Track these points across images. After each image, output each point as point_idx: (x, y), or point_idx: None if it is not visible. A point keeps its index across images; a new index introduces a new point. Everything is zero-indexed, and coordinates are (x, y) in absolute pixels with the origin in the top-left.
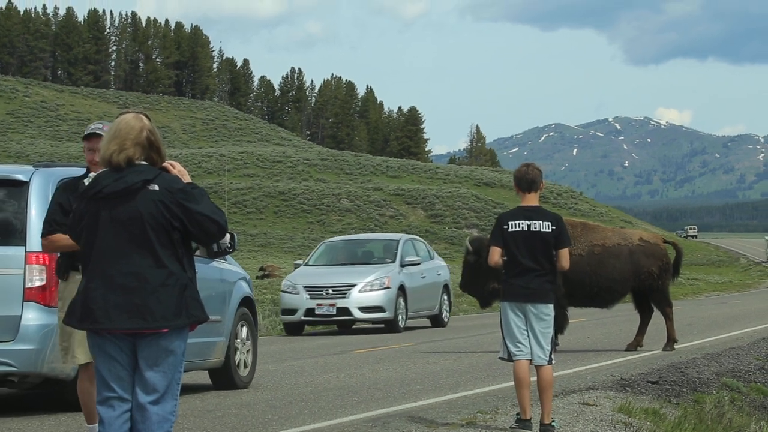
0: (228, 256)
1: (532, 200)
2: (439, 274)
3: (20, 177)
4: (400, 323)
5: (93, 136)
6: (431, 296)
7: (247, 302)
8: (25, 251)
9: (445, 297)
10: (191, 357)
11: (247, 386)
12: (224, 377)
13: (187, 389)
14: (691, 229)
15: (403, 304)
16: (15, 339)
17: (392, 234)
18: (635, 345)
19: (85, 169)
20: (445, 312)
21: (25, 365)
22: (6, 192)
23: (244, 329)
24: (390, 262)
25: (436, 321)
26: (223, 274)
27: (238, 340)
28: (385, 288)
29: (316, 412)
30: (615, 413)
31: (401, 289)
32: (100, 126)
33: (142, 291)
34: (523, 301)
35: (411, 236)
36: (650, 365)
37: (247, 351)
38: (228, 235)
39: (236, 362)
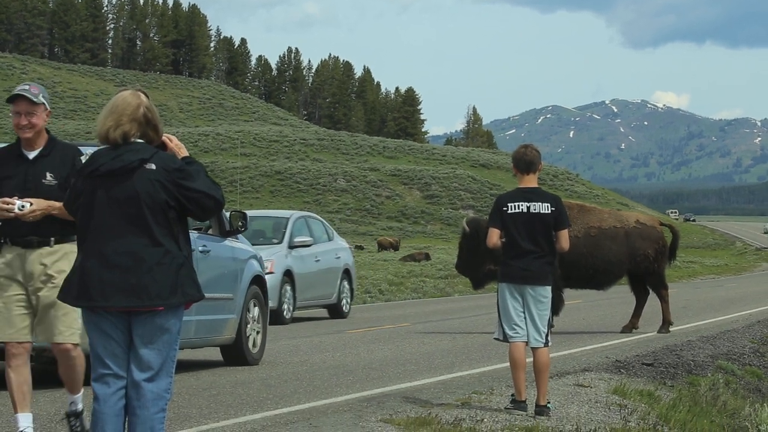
0: (240, 235)
1: (530, 181)
2: (338, 258)
3: None
4: (285, 314)
5: (19, 99)
6: (327, 283)
7: (257, 280)
8: None
9: (346, 284)
10: (203, 333)
11: (258, 363)
12: (236, 354)
13: (182, 367)
14: (672, 213)
15: (289, 291)
16: None
17: (283, 211)
18: (630, 327)
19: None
20: (345, 301)
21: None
22: None
23: (255, 307)
24: (276, 243)
25: (335, 311)
26: (235, 253)
27: (250, 318)
28: (267, 273)
29: (311, 392)
30: (610, 395)
31: (288, 274)
32: (27, 87)
33: (137, 270)
34: (521, 282)
35: (305, 213)
36: (645, 347)
37: (258, 329)
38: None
39: (248, 339)
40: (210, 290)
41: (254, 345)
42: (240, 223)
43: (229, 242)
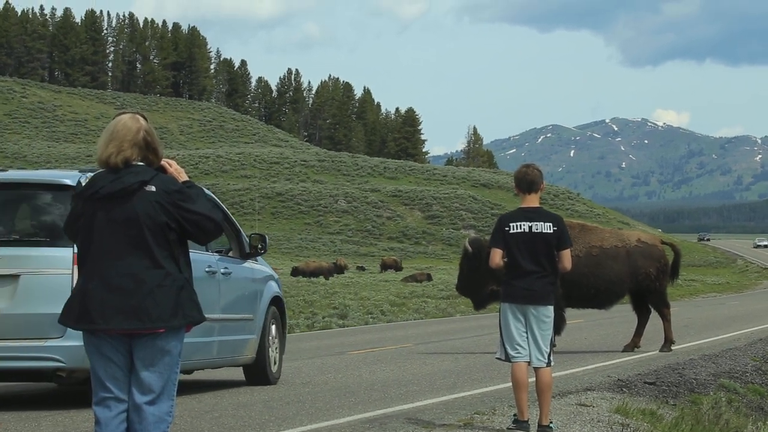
0: (258, 257)
1: (532, 201)
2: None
3: (68, 181)
4: None
5: None
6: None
7: (276, 301)
8: (73, 252)
9: None
10: (226, 353)
11: (276, 382)
12: (258, 373)
13: (184, 389)
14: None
15: None
16: (64, 336)
17: None
18: (632, 346)
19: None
20: None
21: (74, 361)
22: (53, 196)
23: (274, 327)
24: None
25: None
26: (255, 274)
27: (270, 338)
28: None
29: (313, 413)
30: (612, 414)
31: None
32: None
33: (138, 292)
34: (524, 302)
35: None
36: (647, 366)
37: (276, 348)
38: (258, 236)
39: (270, 359)
40: (232, 311)
41: (273, 364)
42: (260, 246)
43: (249, 264)
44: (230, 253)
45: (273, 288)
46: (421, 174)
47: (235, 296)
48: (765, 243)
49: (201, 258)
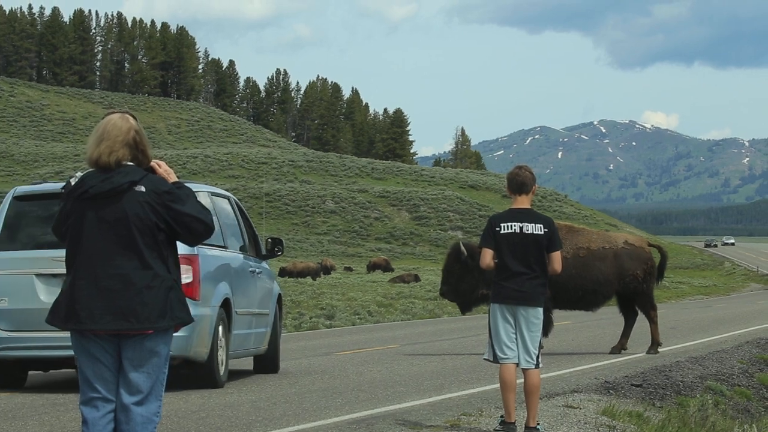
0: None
1: (523, 203)
2: None
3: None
4: None
5: None
6: None
7: (278, 298)
8: None
9: None
10: (257, 344)
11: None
12: (270, 363)
13: (171, 389)
14: None
15: None
16: None
17: None
18: (619, 348)
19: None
20: None
21: (176, 350)
22: None
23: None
24: None
25: None
26: (269, 274)
27: (279, 331)
28: None
29: (300, 414)
30: (599, 416)
31: None
32: None
33: (127, 293)
34: (515, 304)
35: None
36: (634, 368)
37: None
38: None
39: (279, 350)
40: (260, 306)
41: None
42: (277, 248)
43: (264, 264)
44: (249, 253)
45: (277, 286)
46: (409, 175)
47: (261, 293)
48: (732, 241)
49: (242, 258)
